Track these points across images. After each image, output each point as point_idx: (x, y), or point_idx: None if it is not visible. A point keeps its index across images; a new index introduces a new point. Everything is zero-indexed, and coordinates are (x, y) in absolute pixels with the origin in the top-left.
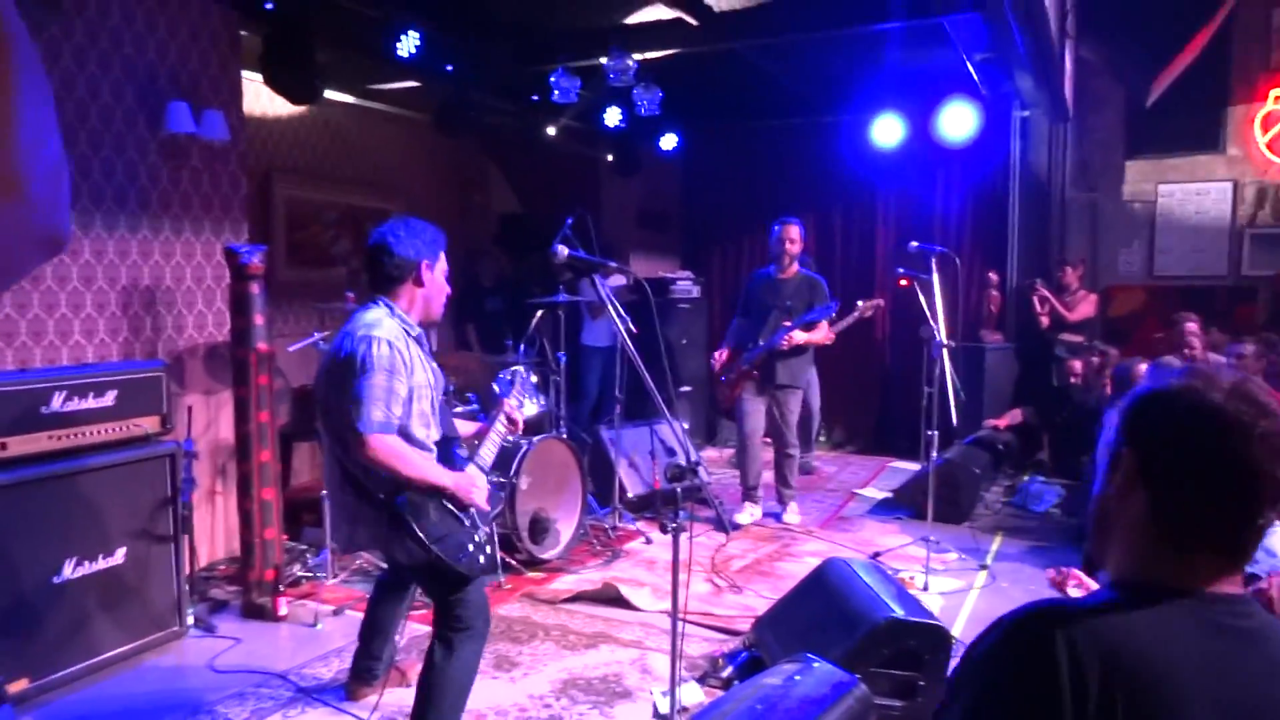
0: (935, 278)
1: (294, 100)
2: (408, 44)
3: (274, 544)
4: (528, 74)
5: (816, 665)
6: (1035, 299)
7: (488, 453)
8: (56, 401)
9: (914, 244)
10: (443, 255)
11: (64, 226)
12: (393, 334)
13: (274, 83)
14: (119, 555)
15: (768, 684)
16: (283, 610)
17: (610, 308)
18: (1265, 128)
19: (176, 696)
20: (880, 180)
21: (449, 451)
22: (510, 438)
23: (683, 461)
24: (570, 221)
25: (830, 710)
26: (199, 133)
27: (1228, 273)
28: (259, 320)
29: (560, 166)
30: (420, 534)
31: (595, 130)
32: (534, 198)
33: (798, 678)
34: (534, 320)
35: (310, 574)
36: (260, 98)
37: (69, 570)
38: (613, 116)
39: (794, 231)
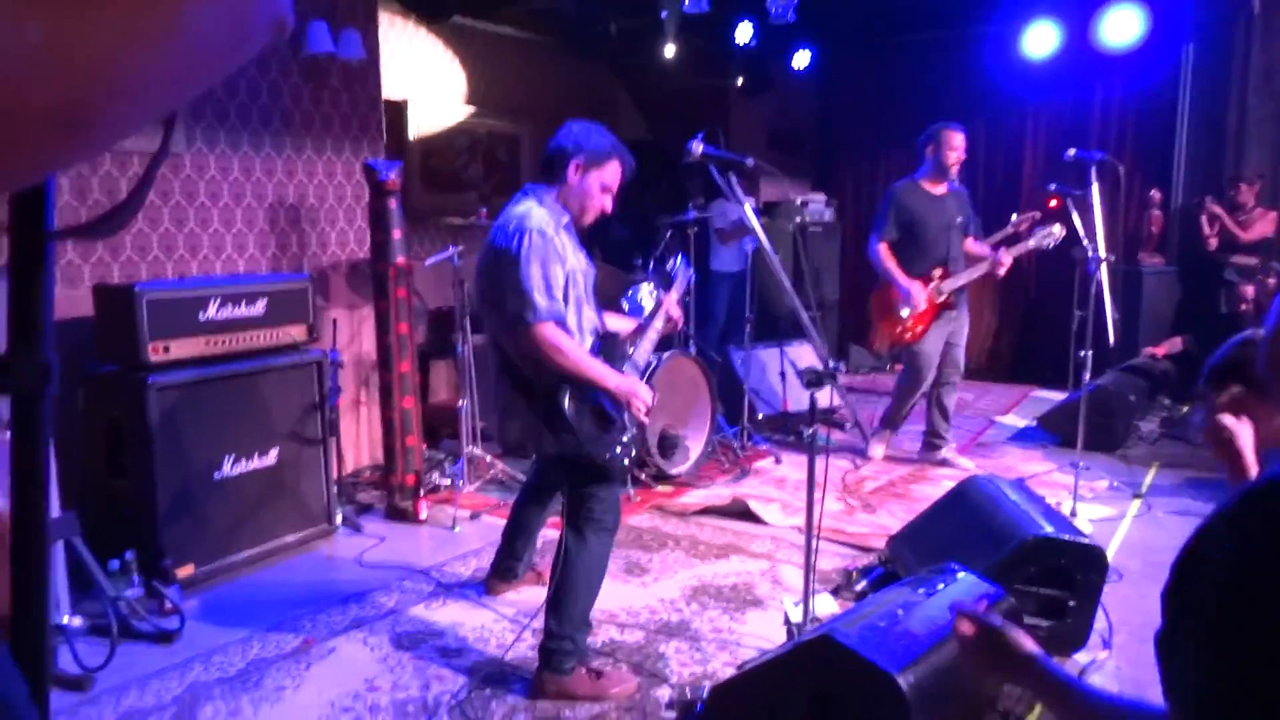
0: (1094, 188)
1: (427, 17)
2: None
3: (414, 451)
4: None
5: (961, 575)
6: (1204, 218)
7: (645, 350)
8: (212, 309)
9: (1071, 151)
10: (611, 167)
11: (288, 5)
12: (542, 222)
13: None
14: (273, 456)
15: (908, 590)
16: (423, 514)
17: (750, 216)
18: None
19: (330, 586)
20: (1030, 94)
21: (610, 347)
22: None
23: (820, 367)
24: (701, 135)
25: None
26: (337, 52)
27: None
28: (397, 235)
29: (689, 92)
30: (575, 430)
31: (725, 52)
32: (663, 124)
33: (941, 585)
34: (663, 240)
35: (448, 481)
36: (394, 26)
37: (228, 467)
38: (744, 33)
39: (961, 139)
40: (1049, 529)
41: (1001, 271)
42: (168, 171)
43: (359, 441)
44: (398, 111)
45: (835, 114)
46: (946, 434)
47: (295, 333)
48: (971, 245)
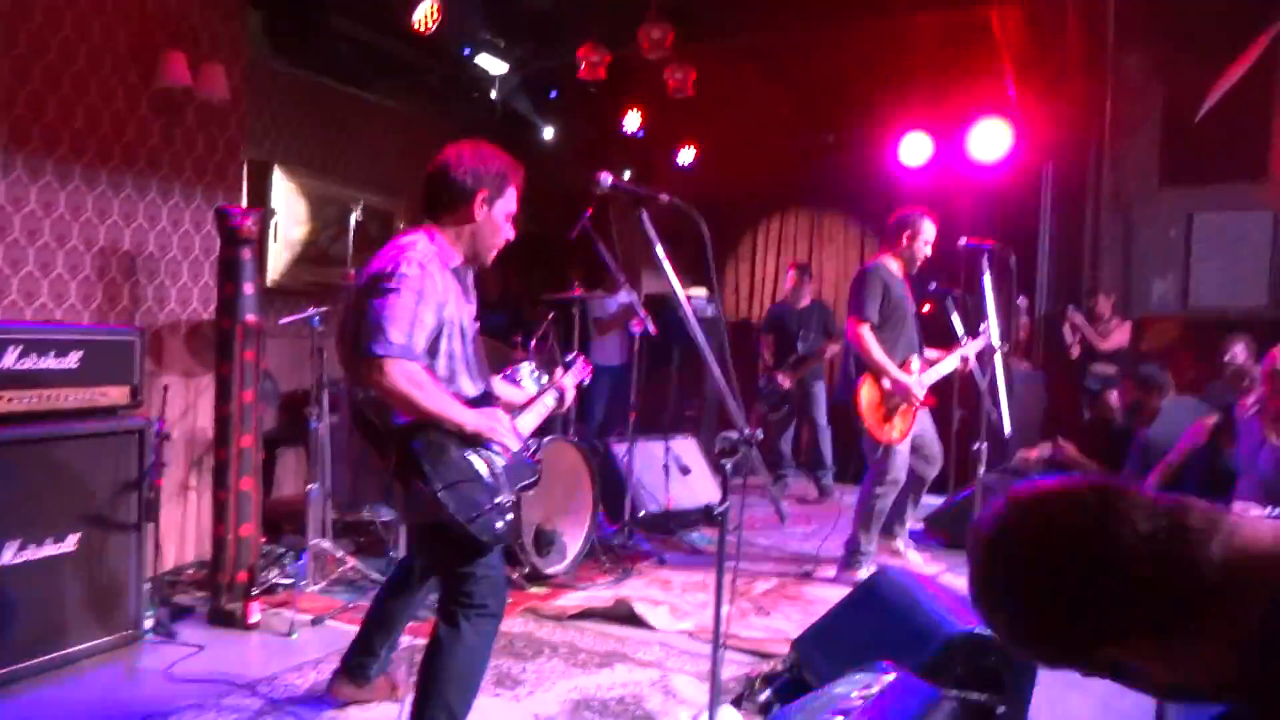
0: (986, 277)
1: (297, 54)
2: (423, 12)
3: (249, 542)
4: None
5: (893, 676)
6: (1067, 327)
7: (527, 422)
8: (10, 358)
9: (962, 240)
10: (510, 192)
11: None
12: (426, 257)
13: (276, 33)
14: (71, 542)
15: (839, 694)
16: (254, 617)
17: (667, 266)
18: None
19: (123, 707)
20: (906, 201)
21: (485, 407)
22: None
23: (734, 435)
24: (588, 214)
25: None
26: (196, 88)
27: (1268, 303)
28: (249, 289)
29: (572, 182)
30: (430, 475)
31: (611, 141)
32: (544, 212)
33: (874, 688)
34: (544, 322)
35: (289, 581)
36: (265, 83)
37: (9, 555)
38: (632, 122)
39: (935, 232)
40: (976, 623)
41: (999, 367)
42: None
43: (184, 533)
44: (262, 173)
45: (717, 212)
46: (906, 524)
47: (115, 395)
48: None
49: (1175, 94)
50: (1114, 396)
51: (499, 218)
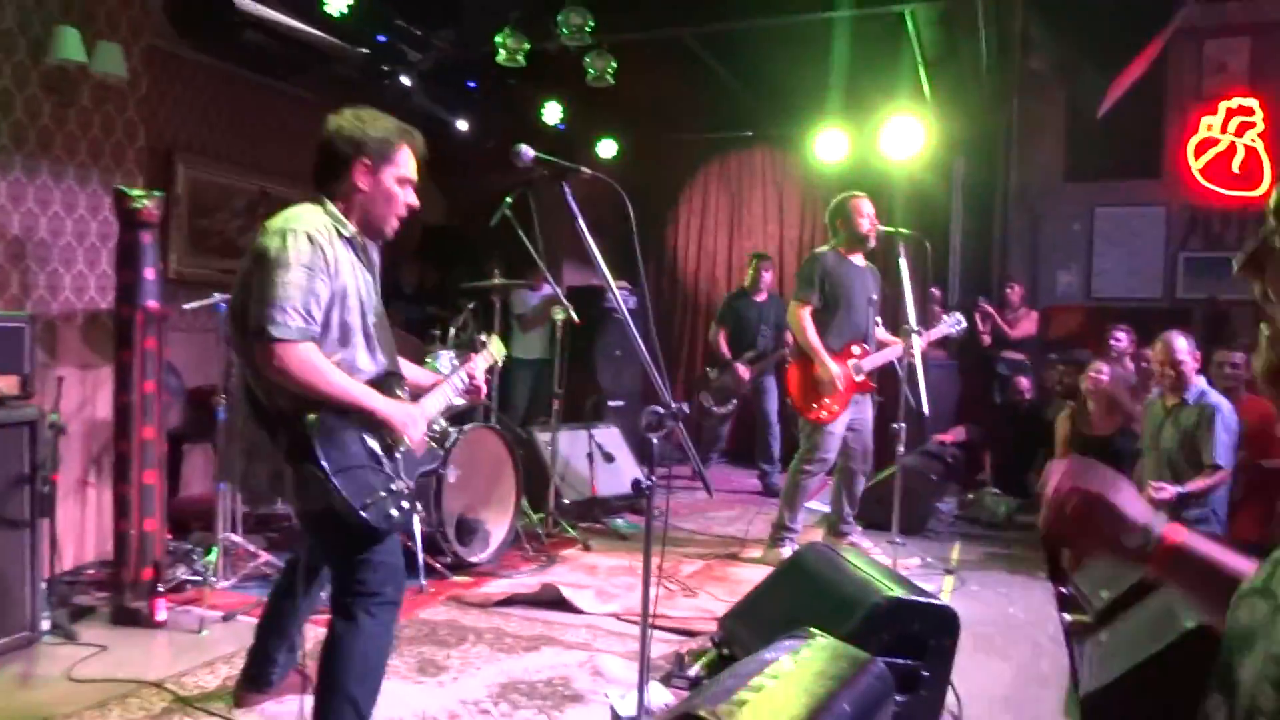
0: (903, 263)
1: (201, 39)
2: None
3: (154, 537)
4: (468, 58)
5: (822, 641)
6: (977, 316)
7: (434, 404)
8: None
9: (880, 227)
10: (403, 154)
11: None
12: (315, 227)
13: (179, 17)
14: None
15: (767, 658)
16: (161, 615)
17: (603, 274)
18: (1197, 154)
19: (19, 709)
20: (822, 195)
21: (390, 386)
22: (461, 400)
23: (661, 408)
24: (509, 201)
25: (848, 688)
26: (91, 65)
27: (1163, 295)
28: (150, 275)
29: (492, 175)
30: (321, 459)
31: (532, 133)
32: (462, 207)
33: (803, 652)
34: (464, 312)
35: (197, 577)
36: (166, 68)
37: None
38: (552, 114)
39: (870, 205)
40: (900, 591)
41: (915, 355)
42: None
43: (83, 532)
44: (163, 161)
45: (637, 205)
46: (851, 520)
47: (3, 385)
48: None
49: (1078, 94)
50: (1023, 382)
51: (389, 184)
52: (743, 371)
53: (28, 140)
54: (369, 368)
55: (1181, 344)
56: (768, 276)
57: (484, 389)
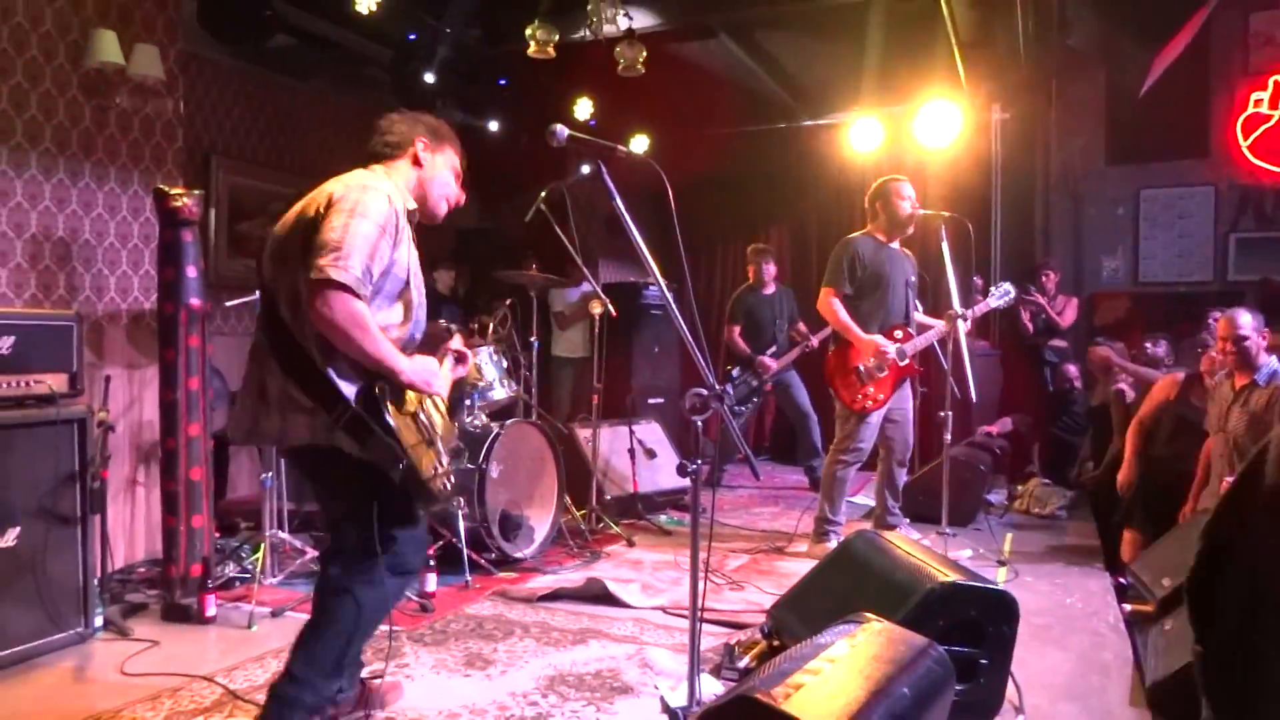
0: (945, 246)
1: (235, 43)
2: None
3: (202, 533)
4: (495, 55)
5: (878, 625)
6: (1023, 308)
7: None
8: None
9: (918, 209)
10: (451, 151)
11: None
12: (390, 191)
13: (212, 21)
14: (10, 537)
15: (823, 642)
16: (210, 611)
17: (644, 256)
18: (1246, 132)
19: (72, 703)
20: (858, 187)
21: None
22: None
23: (704, 390)
24: (544, 195)
25: (906, 672)
26: (129, 68)
27: (1214, 278)
28: (192, 272)
29: (525, 174)
30: (394, 430)
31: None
32: (495, 207)
33: (859, 636)
34: (502, 308)
35: (245, 574)
36: (203, 73)
37: None
38: (584, 109)
39: (911, 188)
40: (955, 576)
41: (960, 338)
42: None
43: (133, 531)
44: (202, 164)
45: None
46: (897, 511)
47: (52, 383)
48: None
49: (1118, 73)
50: (1071, 369)
51: (445, 169)
52: (771, 364)
53: (70, 143)
54: (405, 336)
55: (1246, 319)
56: (769, 268)
57: (469, 359)
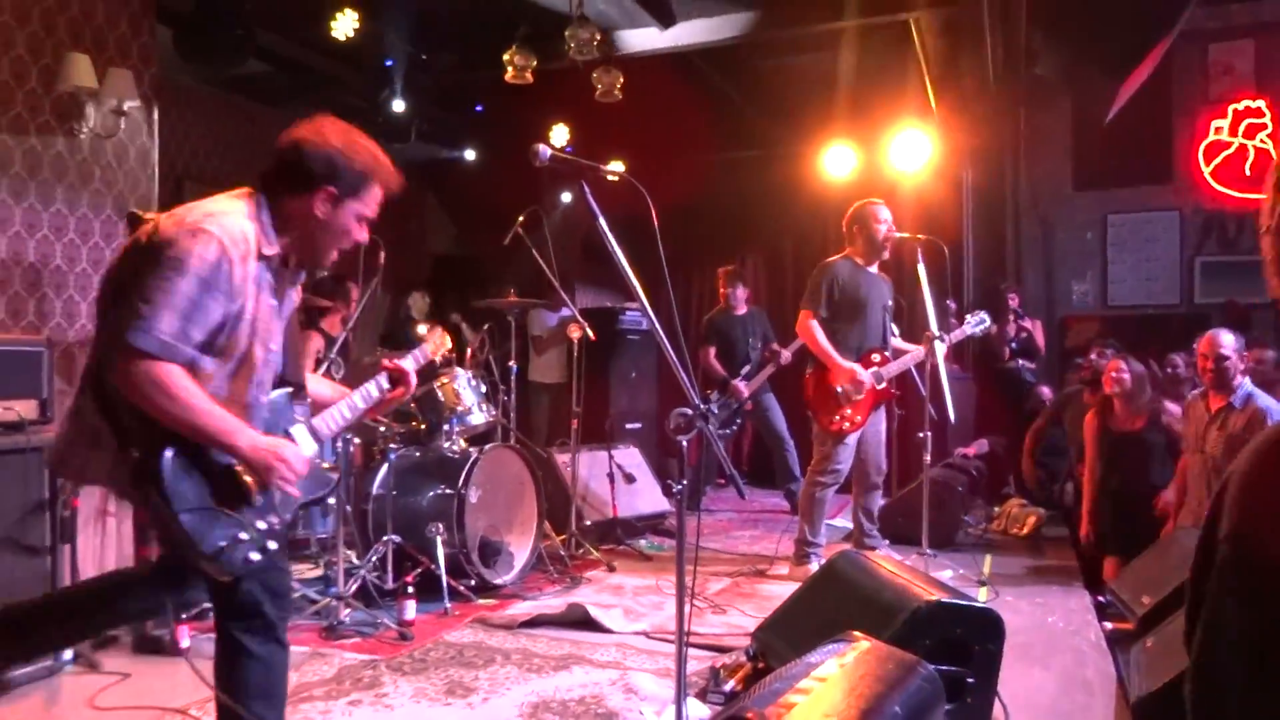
0: (921, 268)
1: (209, 70)
2: (346, 24)
3: None
4: (471, 81)
5: (867, 644)
6: (1011, 326)
7: (331, 420)
8: None
9: (895, 233)
10: (370, 198)
11: None
12: (233, 236)
13: (187, 48)
14: None
15: (813, 661)
16: (184, 642)
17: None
18: (1208, 158)
19: None
20: (832, 212)
21: (276, 407)
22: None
23: (689, 410)
24: (521, 219)
25: (897, 690)
26: (102, 93)
27: (1180, 301)
28: None
29: (501, 200)
30: (170, 495)
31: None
32: (472, 233)
33: (849, 655)
34: (480, 332)
35: None
36: (176, 98)
37: None
38: (560, 136)
39: (887, 212)
40: (940, 595)
41: (938, 361)
42: None
43: (103, 561)
44: (175, 189)
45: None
46: (874, 533)
47: (21, 410)
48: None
49: (1084, 101)
50: (1045, 391)
51: (347, 219)
52: (743, 389)
53: (42, 167)
54: (245, 399)
55: (1228, 339)
56: (740, 291)
57: (413, 384)
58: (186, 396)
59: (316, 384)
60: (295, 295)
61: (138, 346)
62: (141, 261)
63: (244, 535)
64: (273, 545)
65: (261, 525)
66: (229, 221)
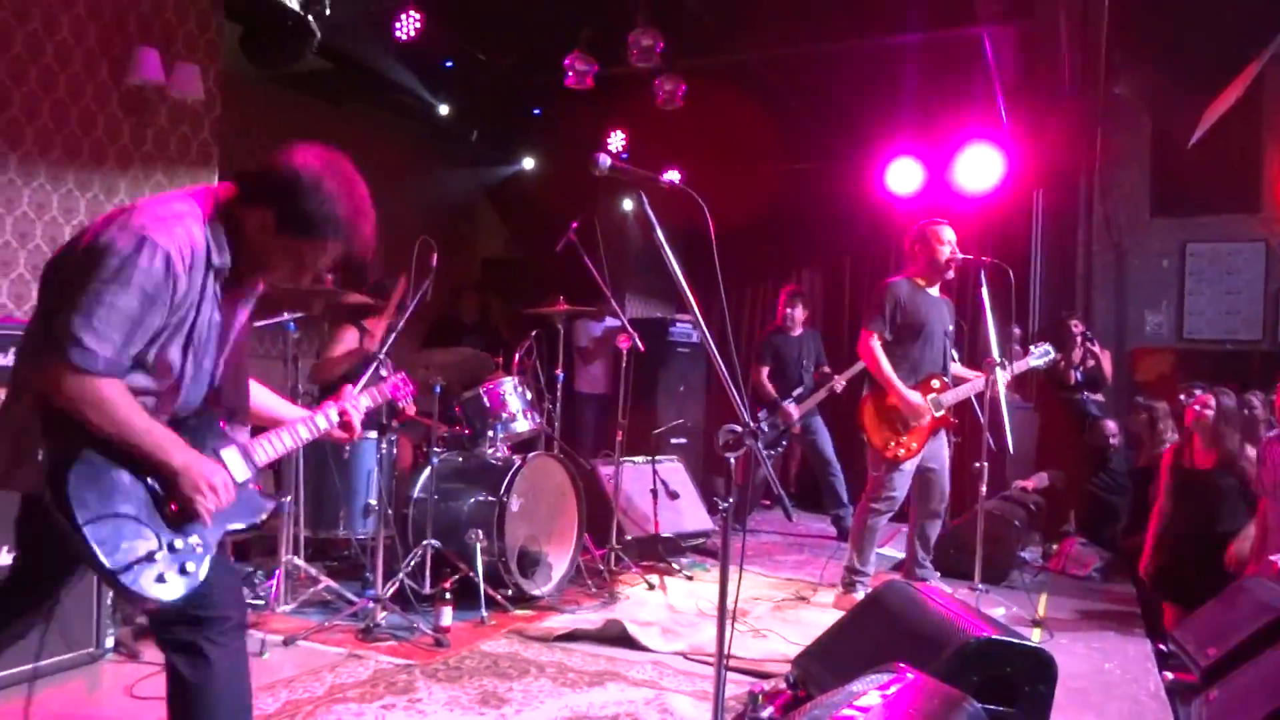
0: (985, 292)
1: (274, 68)
2: (408, 25)
3: None
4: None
5: (912, 676)
6: (1080, 351)
7: (269, 446)
8: None
9: (958, 255)
10: (318, 248)
11: None
12: (180, 245)
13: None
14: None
15: (856, 690)
16: None
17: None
18: None
19: None
20: (894, 228)
21: (202, 423)
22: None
23: (738, 426)
24: (575, 226)
25: None
26: (169, 86)
27: (1262, 336)
28: None
29: (554, 205)
30: (72, 503)
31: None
32: (526, 237)
33: (893, 687)
34: (528, 340)
35: (259, 601)
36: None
37: None
38: (616, 140)
39: (952, 233)
40: (991, 631)
41: (999, 389)
42: None
43: None
44: None
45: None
46: (928, 563)
47: None
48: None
49: (1165, 123)
50: (1110, 425)
51: (311, 264)
52: (793, 411)
53: (107, 159)
54: (169, 411)
55: None
56: (800, 313)
57: (357, 430)
58: (119, 407)
59: (259, 396)
60: (244, 314)
61: (75, 363)
62: (89, 265)
63: (157, 551)
64: (189, 567)
65: (178, 544)
66: (180, 231)
